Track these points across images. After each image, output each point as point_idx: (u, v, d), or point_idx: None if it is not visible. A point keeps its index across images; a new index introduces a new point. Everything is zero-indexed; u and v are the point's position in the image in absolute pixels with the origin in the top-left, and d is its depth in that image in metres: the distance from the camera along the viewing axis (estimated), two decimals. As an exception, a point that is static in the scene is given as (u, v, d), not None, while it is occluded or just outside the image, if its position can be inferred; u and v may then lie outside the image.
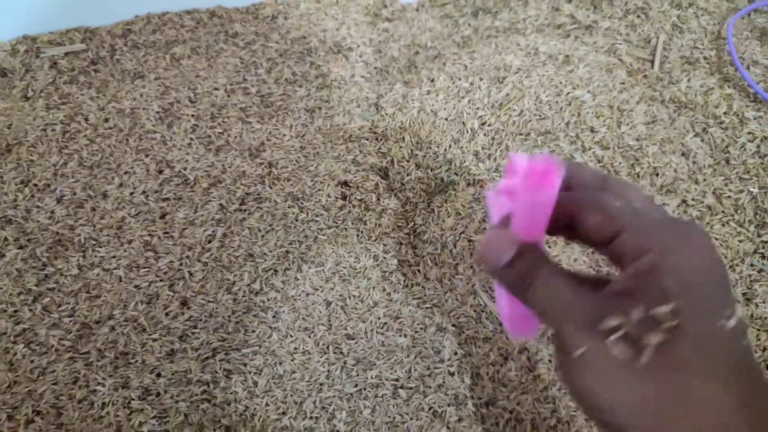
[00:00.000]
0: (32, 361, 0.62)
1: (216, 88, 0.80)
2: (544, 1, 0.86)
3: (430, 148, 0.72)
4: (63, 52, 0.82)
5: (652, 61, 0.78)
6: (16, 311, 0.65)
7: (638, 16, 0.82)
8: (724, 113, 0.72)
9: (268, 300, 0.66)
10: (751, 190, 0.66)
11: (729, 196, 0.66)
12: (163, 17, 0.86)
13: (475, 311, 0.64)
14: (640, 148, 0.68)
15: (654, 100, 0.73)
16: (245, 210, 0.71)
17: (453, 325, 0.64)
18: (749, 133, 0.70)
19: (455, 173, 0.70)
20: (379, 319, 0.64)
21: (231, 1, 0.87)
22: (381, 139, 0.76)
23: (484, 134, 0.70)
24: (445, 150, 0.71)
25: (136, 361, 0.63)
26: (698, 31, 0.81)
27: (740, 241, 0.63)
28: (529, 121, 0.70)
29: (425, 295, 0.66)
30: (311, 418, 0.59)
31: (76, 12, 0.83)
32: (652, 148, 0.68)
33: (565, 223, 0.29)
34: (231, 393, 0.60)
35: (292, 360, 0.62)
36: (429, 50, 0.85)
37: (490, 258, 0.29)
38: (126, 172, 0.74)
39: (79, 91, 0.79)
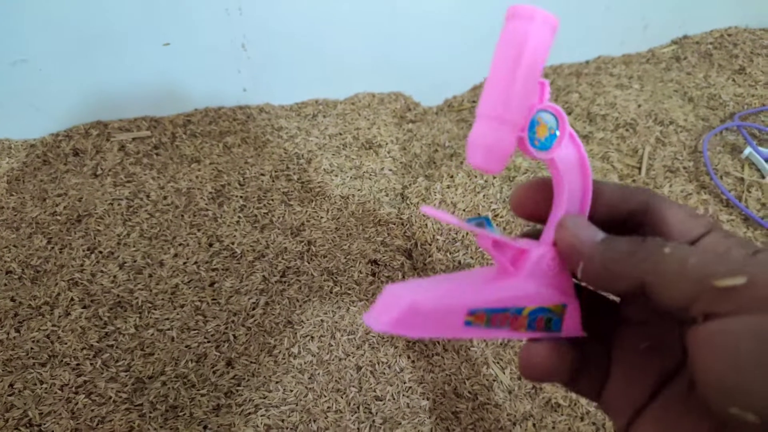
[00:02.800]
0: (92, 411, 0.69)
1: (262, 174, 0.92)
2: (546, 112, 1.01)
3: (450, 234, 0.83)
4: (131, 137, 0.94)
5: (640, 168, 0.91)
6: (78, 364, 0.73)
7: (627, 130, 0.96)
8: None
9: (305, 363, 0.74)
10: None
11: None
12: (218, 111, 1.00)
13: (487, 380, 0.72)
14: (631, 242, 0.79)
15: (642, 201, 0.85)
16: (285, 282, 0.81)
17: (468, 392, 0.72)
18: (723, 233, 0.81)
19: (471, 257, 0.80)
20: (404, 383, 0.72)
21: (277, 99, 1.01)
22: (406, 224, 0.87)
23: (497, 224, 0.81)
24: (463, 236, 0.82)
25: (185, 414, 0.70)
26: (678, 144, 0.95)
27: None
28: (536, 215, 0.81)
29: (444, 364, 0.74)
30: (343, 471, 0.66)
31: (144, 103, 0.97)
32: (641, 243, 0.79)
33: None
34: (271, 446, 0.67)
35: (325, 418, 0.70)
36: (447, 149, 0.98)
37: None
38: (180, 244, 0.84)
39: (142, 172, 0.91)
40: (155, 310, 0.78)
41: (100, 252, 0.82)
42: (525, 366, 0.25)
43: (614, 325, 0.27)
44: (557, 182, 0.24)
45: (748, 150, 0.93)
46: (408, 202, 0.89)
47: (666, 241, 0.22)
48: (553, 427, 0.69)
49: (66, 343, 0.74)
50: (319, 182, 0.92)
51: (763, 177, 0.90)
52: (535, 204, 0.26)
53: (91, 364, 0.72)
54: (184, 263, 0.82)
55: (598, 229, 0.23)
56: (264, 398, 0.71)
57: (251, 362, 0.74)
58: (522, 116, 0.22)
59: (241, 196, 0.89)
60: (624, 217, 0.25)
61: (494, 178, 0.86)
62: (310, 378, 0.73)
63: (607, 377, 0.26)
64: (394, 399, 0.71)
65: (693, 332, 0.20)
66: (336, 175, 0.93)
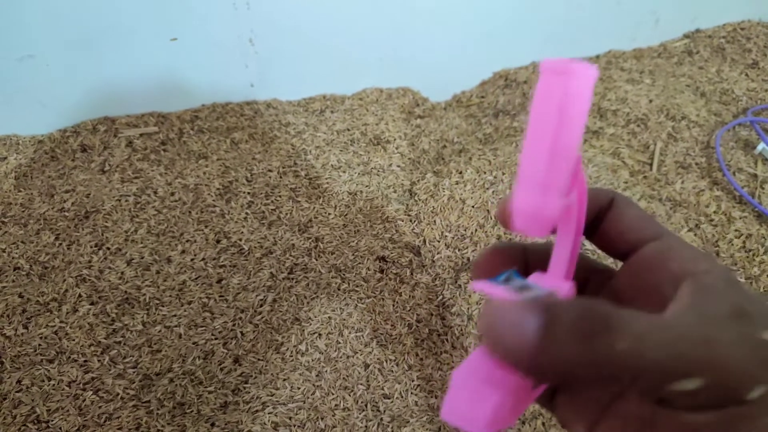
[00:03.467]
0: (99, 407, 0.69)
1: (270, 170, 0.91)
2: (556, 108, 0.99)
3: (458, 230, 0.82)
4: (138, 133, 0.94)
5: (651, 164, 0.90)
6: (86, 361, 0.73)
7: (638, 126, 0.95)
8: (714, 212, 0.83)
9: (313, 360, 0.74)
10: (739, 280, 0.75)
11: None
12: (225, 106, 0.99)
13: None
14: (642, 239, 0.78)
15: (653, 198, 0.84)
16: (293, 278, 0.81)
17: (478, 391, 0.71)
18: (736, 230, 0.80)
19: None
20: (412, 381, 0.71)
21: (285, 95, 1.01)
22: (414, 221, 0.86)
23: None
24: (472, 233, 0.81)
25: (192, 411, 0.70)
26: (690, 140, 0.93)
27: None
28: (546, 211, 0.80)
29: (452, 362, 0.74)
30: (351, 469, 0.65)
31: (151, 99, 0.96)
32: (652, 240, 0.78)
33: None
34: (279, 443, 0.67)
35: (333, 415, 0.69)
36: (455, 145, 0.97)
37: None
38: (188, 241, 0.84)
39: (150, 168, 0.90)
40: (163, 306, 0.77)
41: (108, 248, 0.82)
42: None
43: None
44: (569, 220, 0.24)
45: (761, 146, 0.91)
46: (416, 198, 0.88)
47: (613, 314, 0.18)
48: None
49: (74, 340, 0.74)
50: (326, 178, 0.91)
51: (777, 173, 0.89)
52: (495, 267, 0.25)
53: (99, 360, 0.72)
54: (192, 260, 0.82)
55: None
56: (271, 395, 0.71)
57: (259, 359, 0.74)
58: (567, 180, 0.21)
59: (248, 193, 0.89)
60: (592, 217, 0.24)
61: (503, 174, 0.85)
62: (317, 375, 0.72)
63: (557, 388, 0.24)
64: (402, 397, 0.70)
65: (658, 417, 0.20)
66: (344, 171, 0.93)
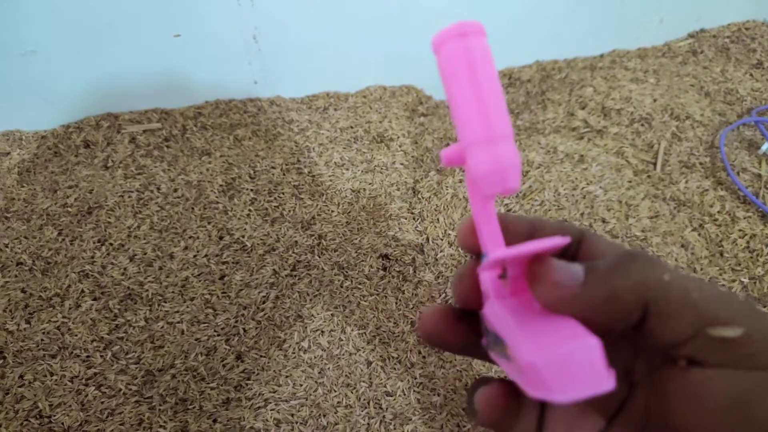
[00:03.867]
0: (102, 403, 0.69)
1: (273, 167, 0.91)
2: (560, 106, 0.99)
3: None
4: (141, 130, 0.94)
5: (655, 164, 0.90)
6: (88, 356, 0.73)
7: (642, 125, 0.95)
8: (718, 212, 0.82)
9: (315, 357, 0.73)
10: (743, 280, 0.75)
11: (723, 285, 0.75)
12: (229, 103, 0.99)
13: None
14: (645, 238, 0.78)
15: (657, 197, 0.84)
16: (296, 276, 0.80)
17: (480, 389, 0.71)
18: (740, 230, 0.80)
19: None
20: (415, 378, 0.71)
21: (288, 92, 1.00)
22: (418, 219, 0.86)
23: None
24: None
25: (194, 408, 0.70)
26: (694, 140, 0.93)
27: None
28: (549, 210, 0.80)
29: (455, 360, 0.74)
30: (353, 466, 0.65)
31: (155, 95, 0.96)
32: (655, 239, 0.78)
33: None
34: (281, 440, 0.67)
35: (335, 413, 0.69)
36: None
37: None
38: (191, 237, 0.83)
39: (153, 164, 0.90)
40: (165, 302, 0.77)
41: (111, 244, 0.82)
42: (489, 411, 0.23)
43: None
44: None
45: (765, 146, 0.91)
46: (419, 196, 0.88)
47: (657, 262, 0.20)
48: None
49: (76, 335, 0.74)
50: (330, 176, 0.91)
51: (781, 173, 0.89)
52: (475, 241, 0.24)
53: (102, 356, 0.72)
54: (195, 256, 0.82)
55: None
56: (274, 392, 0.71)
57: (261, 356, 0.74)
58: (510, 124, 0.21)
59: (251, 189, 0.88)
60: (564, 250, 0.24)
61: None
62: (320, 372, 0.72)
63: (543, 420, 0.24)
64: (404, 394, 0.70)
65: (676, 376, 0.19)
66: (347, 169, 0.92)
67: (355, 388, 0.71)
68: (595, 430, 0.23)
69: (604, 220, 0.79)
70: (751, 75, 1.08)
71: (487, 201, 0.22)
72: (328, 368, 0.73)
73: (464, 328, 0.25)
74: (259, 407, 0.70)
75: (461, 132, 0.21)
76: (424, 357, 0.74)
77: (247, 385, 0.71)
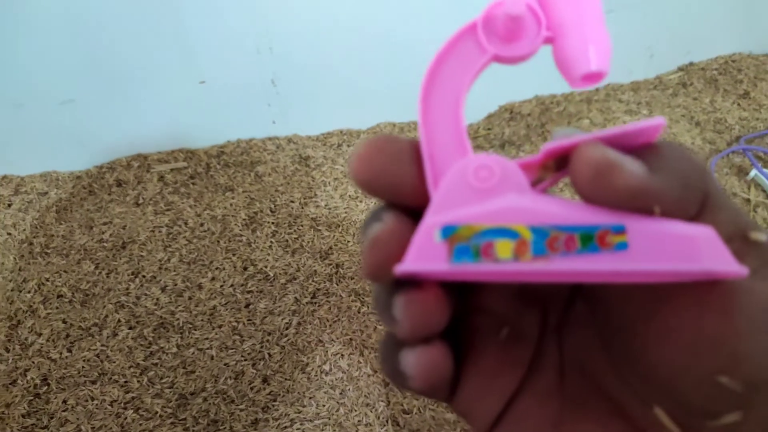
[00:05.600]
0: (140, 425, 0.74)
1: (292, 201, 0.98)
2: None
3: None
4: (169, 168, 1.01)
5: (649, 191, 0.96)
6: (126, 382, 0.78)
7: (636, 155, 1.01)
8: (710, 236, 0.88)
9: (336, 379, 0.79)
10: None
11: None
12: (249, 142, 1.06)
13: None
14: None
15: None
16: (316, 303, 0.86)
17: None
18: (731, 253, 0.86)
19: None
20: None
21: (304, 130, 1.08)
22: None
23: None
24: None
25: (225, 428, 0.75)
26: (686, 168, 0.99)
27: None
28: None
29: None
30: (375, 480, 0.70)
31: (180, 136, 1.03)
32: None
33: None
34: (307, 457, 0.72)
35: (356, 431, 0.74)
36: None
37: None
38: (217, 268, 0.90)
39: (180, 200, 0.97)
40: (195, 330, 0.83)
41: (144, 276, 0.88)
42: (427, 374, 0.20)
43: (464, 313, 0.23)
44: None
45: (753, 172, 0.97)
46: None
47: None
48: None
49: (114, 362, 0.79)
50: (345, 208, 0.98)
51: (768, 198, 0.94)
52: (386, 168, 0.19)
53: (138, 381, 0.78)
54: (221, 286, 0.88)
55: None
56: (299, 413, 0.76)
57: (286, 379, 0.79)
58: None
59: (272, 222, 0.95)
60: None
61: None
62: (341, 393, 0.77)
63: (459, 375, 0.22)
64: (420, 412, 0.75)
65: (706, 288, 0.18)
66: (360, 201, 0.99)
67: (374, 407, 0.76)
68: (513, 383, 0.22)
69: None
70: (738, 105, 1.15)
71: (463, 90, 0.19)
72: (349, 389, 0.78)
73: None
74: (285, 427, 0.75)
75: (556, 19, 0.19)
76: (438, 377, 0.79)
77: (273, 406, 0.77)
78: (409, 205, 0.19)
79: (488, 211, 0.17)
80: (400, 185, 0.19)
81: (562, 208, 0.17)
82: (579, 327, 0.22)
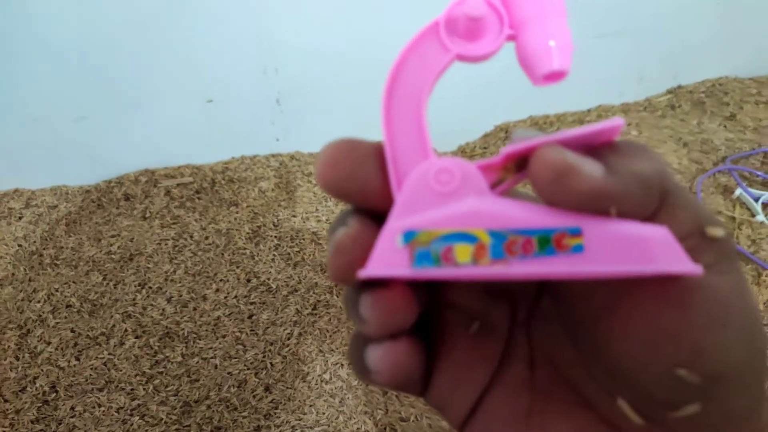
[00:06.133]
0: (146, 431, 0.77)
1: (294, 216, 1.01)
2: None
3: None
4: (175, 183, 1.04)
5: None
6: (132, 389, 0.81)
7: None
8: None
9: (336, 388, 0.82)
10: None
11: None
12: (253, 158, 1.10)
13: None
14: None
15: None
16: (317, 314, 0.89)
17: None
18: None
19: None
20: (426, 405, 0.79)
21: (307, 147, 1.12)
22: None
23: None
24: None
25: (228, 435, 0.77)
26: (673, 187, 1.03)
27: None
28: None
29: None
30: (373, 485, 0.73)
31: (187, 153, 1.07)
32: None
33: None
34: (308, 463, 0.75)
35: (356, 438, 0.77)
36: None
37: None
38: (221, 280, 0.93)
39: (186, 214, 1.00)
40: (200, 340, 0.86)
41: (150, 287, 0.91)
42: (393, 369, 0.20)
43: (435, 309, 0.23)
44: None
45: (738, 191, 1.01)
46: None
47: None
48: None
49: (121, 370, 0.82)
50: (345, 223, 1.01)
51: (753, 216, 0.98)
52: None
53: (144, 389, 0.80)
54: (225, 297, 0.90)
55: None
56: (300, 420, 0.79)
57: (287, 387, 0.82)
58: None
59: (275, 236, 0.98)
60: None
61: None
62: (340, 402, 0.80)
63: (432, 369, 0.23)
64: (417, 420, 0.78)
65: (666, 282, 0.18)
66: (360, 217, 1.02)
67: (372, 415, 0.79)
68: (485, 376, 0.22)
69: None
70: (724, 126, 1.19)
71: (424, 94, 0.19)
72: (348, 398, 0.80)
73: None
74: (286, 433, 0.77)
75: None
76: (434, 386, 0.82)
77: (275, 414, 0.79)
78: (375, 209, 0.20)
79: (448, 215, 0.18)
80: (365, 189, 0.19)
81: (521, 210, 0.17)
82: (547, 320, 0.23)
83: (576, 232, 0.17)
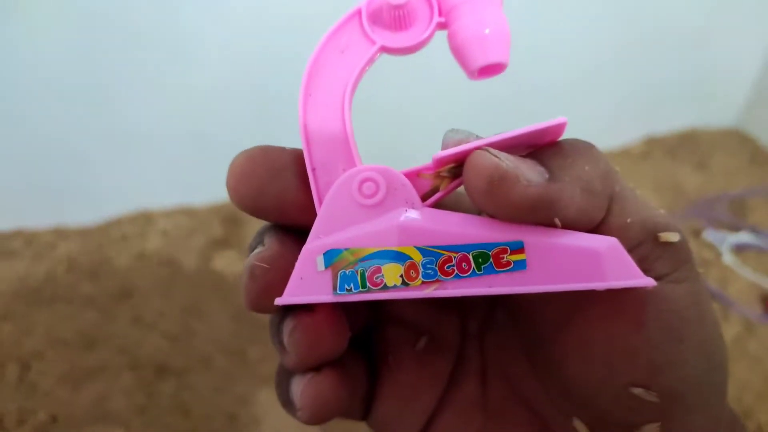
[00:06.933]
0: (138, 462, 0.79)
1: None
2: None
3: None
4: (171, 224, 1.09)
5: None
6: (127, 420, 0.83)
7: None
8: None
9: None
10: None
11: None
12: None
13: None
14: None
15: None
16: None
17: None
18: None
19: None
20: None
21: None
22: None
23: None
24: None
25: (218, 466, 0.80)
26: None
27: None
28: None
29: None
30: None
31: (182, 193, 1.12)
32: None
33: None
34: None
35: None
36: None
37: None
38: (213, 316, 0.96)
39: (180, 255, 1.05)
40: (191, 374, 0.89)
41: (144, 323, 0.95)
42: (315, 405, 0.18)
43: (377, 324, 0.22)
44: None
45: (706, 232, 1.07)
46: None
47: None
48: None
49: (117, 402, 0.85)
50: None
51: (720, 256, 1.04)
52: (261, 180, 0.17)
53: (139, 420, 0.83)
54: (217, 333, 0.94)
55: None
56: (287, 451, 0.81)
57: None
58: None
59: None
60: None
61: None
62: (327, 434, 0.83)
63: (374, 391, 0.21)
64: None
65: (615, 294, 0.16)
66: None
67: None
68: (433, 398, 0.21)
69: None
70: (694, 173, 1.27)
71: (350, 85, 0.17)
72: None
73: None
74: (274, 465, 0.80)
75: None
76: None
77: (263, 445, 0.82)
78: (296, 224, 0.17)
79: (373, 231, 0.16)
80: (283, 204, 0.17)
81: (455, 224, 0.16)
82: (501, 332, 0.21)
83: (517, 247, 0.15)
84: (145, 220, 1.11)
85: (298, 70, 0.18)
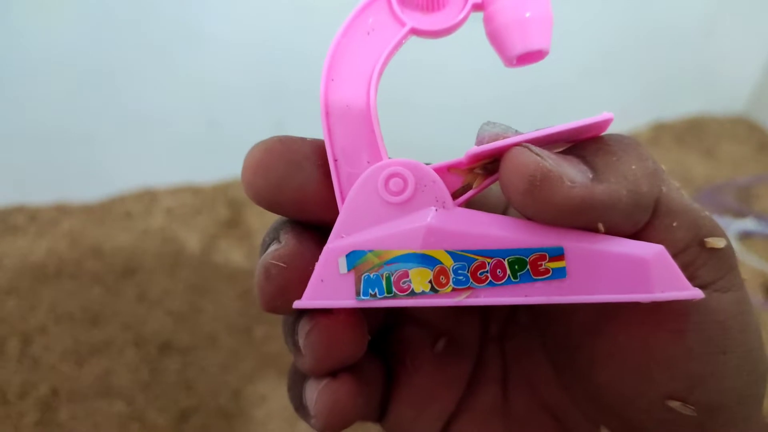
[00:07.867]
0: (143, 437, 0.79)
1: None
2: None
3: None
4: (176, 202, 1.08)
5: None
6: (131, 396, 0.83)
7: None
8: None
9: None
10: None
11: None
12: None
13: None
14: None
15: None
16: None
17: None
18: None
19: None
20: None
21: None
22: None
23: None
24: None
25: (223, 443, 0.79)
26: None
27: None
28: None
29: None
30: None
31: (188, 172, 1.11)
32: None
33: None
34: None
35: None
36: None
37: None
38: (219, 295, 0.96)
39: (185, 232, 1.04)
40: (196, 351, 0.88)
41: (150, 300, 0.94)
42: (331, 414, 0.17)
43: (395, 324, 0.21)
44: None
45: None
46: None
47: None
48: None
49: (121, 378, 0.84)
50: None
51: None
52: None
53: (143, 395, 0.83)
54: (222, 311, 0.93)
55: None
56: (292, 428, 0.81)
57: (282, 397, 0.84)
58: None
59: (272, 254, 1.02)
60: None
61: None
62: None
63: (390, 394, 0.20)
64: None
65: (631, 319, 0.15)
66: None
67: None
68: (451, 403, 0.20)
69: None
70: (702, 160, 1.26)
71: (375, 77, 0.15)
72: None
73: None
74: (280, 442, 0.80)
75: None
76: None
77: (271, 420, 0.82)
78: (316, 221, 0.16)
79: (401, 232, 0.14)
80: (302, 199, 0.16)
81: (489, 226, 0.14)
82: (523, 336, 0.20)
83: (557, 254, 0.14)
84: (149, 197, 1.10)
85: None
